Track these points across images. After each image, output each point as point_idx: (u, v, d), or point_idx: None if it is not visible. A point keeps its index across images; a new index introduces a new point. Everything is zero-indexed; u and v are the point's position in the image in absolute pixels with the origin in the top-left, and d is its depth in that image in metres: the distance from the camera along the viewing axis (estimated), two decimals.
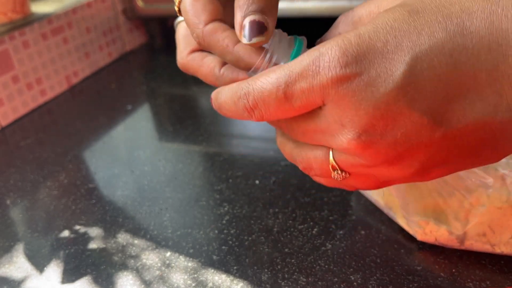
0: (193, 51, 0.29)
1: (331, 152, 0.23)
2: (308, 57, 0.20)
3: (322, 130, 0.21)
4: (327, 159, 0.23)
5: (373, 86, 0.19)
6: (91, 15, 0.76)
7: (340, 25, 0.26)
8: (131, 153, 0.53)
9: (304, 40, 0.25)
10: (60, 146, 0.56)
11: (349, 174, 0.23)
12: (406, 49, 0.19)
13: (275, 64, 0.24)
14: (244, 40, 0.23)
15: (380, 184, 0.24)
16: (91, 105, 0.67)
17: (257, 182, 0.45)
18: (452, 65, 0.18)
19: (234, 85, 0.23)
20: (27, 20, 0.65)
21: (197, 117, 0.60)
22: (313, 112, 0.21)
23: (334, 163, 0.23)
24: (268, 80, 0.21)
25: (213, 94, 0.25)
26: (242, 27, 0.23)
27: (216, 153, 0.51)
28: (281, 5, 0.71)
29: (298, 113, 0.22)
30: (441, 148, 0.20)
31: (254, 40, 0.23)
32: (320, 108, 0.21)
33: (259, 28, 0.23)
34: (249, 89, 0.22)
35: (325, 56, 0.20)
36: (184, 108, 0.63)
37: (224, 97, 0.24)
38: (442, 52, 0.18)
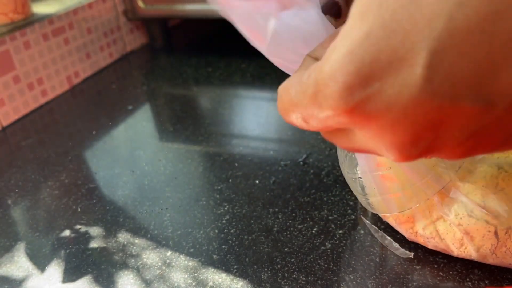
0: None
1: None
2: (309, 89, 0.18)
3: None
4: None
5: (396, 100, 0.16)
6: (92, 16, 0.76)
7: None
8: (132, 153, 0.53)
9: None
10: (61, 146, 0.56)
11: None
12: (418, 46, 0.15)
13: None
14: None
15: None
16: (92, 105, 0.67)
17: (257, 182, 0.45)
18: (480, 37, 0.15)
19: None
20: (28, 21, 0.65)
21: (197, 117, 0.60)
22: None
23: None
24: None
25: None
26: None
27: (216, 153, 0.51)
28: None
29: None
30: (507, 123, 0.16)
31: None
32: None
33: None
34: None
35: (324, 93, 0.17)
36: (184, 108, 0.63)
37: None
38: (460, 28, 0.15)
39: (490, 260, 0.31)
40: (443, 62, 0.15)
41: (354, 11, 0.17)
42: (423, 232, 0.33)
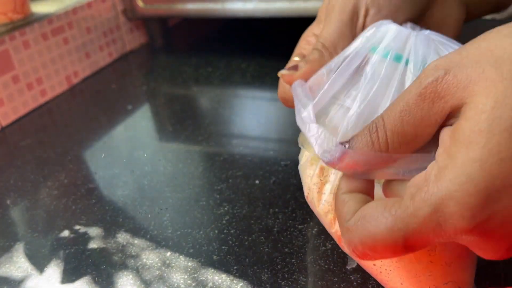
0: None
1: None
2: (424, 210, 0.19)
3: None
4: None
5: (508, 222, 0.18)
6: (91, 15, 0.76)
7: None
8: (131, 153, 0.53)
9: None
10: (60, 146, 0.56)
11: None
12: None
13: None
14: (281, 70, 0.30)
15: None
16: (91, 105, 0.67)
17: (257, 182, 0.45)
18: None
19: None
20: (28, 20, 0.65)
21: (197, 117, 0.60)
22: None
23: None
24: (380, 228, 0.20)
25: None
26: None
27: (216, 153, 0.51)
28: (281, 5, 0.71)
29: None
30: None
31: (283, 71, 0.30)
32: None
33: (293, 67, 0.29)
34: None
35: (444, 212, 0.18)
36: (184, 108, 0.63)
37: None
38: None
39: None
40: None
41: (460, 135, 0.19)
42: (311, 180, 0.32)
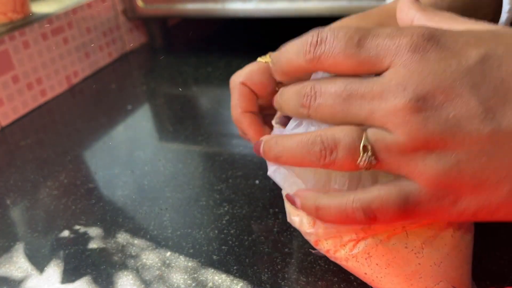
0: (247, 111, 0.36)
1: (367, 132, 0.22)
2: (391, 28, 0.22)
3: (374, 94, 0.21)
4: (359, 137, 0.22)
5: (447, 61, 0.20)
6: (91, 15, 0.76)
7: None
8: (131, 153, 0.53)
9: None
10: (60, 146, 0.56)
11: (377, 162, 0.22)
12: (484, 45, 0.21)
13: None
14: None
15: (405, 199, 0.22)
16: (91, 105, 0.67)
17: (257, 182, 0.45)
18: None
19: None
20: (27, 20, 0.65)
21: (197, 117, 0.60)
22: (369, 77, 0.23)
23: (367, 143, 0.22)
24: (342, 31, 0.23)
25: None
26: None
27: (216, 153, 0.51)
28: (281, 5, 0.71)
29: (359, 68, 0.22)
30: (483, 150, 0.20)
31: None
32: (379, 74, 0.22)
33: None
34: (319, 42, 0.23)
35: (407, 30, 0.21)
36: (184, 108, 0.63)
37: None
38: None
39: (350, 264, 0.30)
40: (491, 67, 0.20)
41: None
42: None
